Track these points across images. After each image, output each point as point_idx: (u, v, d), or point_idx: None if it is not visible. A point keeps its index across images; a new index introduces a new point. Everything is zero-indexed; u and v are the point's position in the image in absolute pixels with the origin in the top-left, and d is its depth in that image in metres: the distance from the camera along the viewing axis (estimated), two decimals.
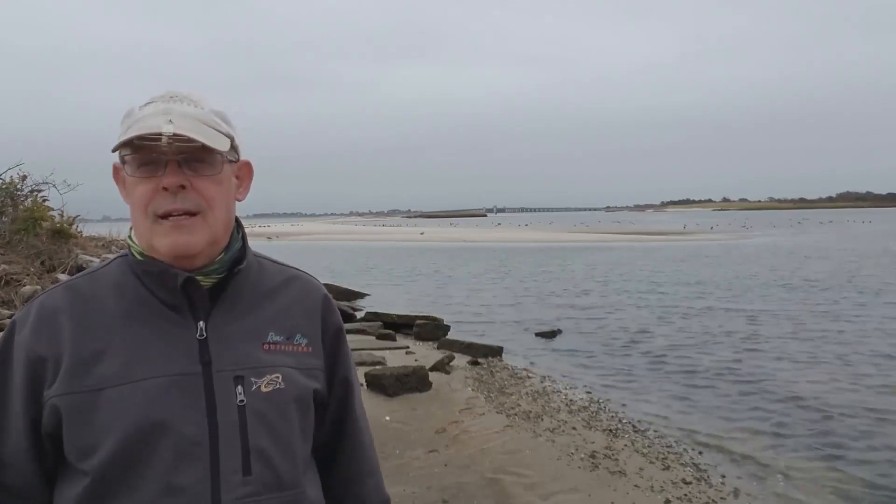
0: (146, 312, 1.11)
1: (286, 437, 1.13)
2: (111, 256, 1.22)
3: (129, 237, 1.17)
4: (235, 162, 1.17)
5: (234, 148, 1.15)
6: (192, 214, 1.08)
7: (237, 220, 1.21)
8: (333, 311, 1.28)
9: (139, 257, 1.13)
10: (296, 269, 1.30)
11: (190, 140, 1.05)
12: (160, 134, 1.03)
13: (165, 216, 1.08)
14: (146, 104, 1.10)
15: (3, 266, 6.61)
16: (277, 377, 1.13)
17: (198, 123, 1.08)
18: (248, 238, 1.23)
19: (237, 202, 1.21)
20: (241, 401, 1.09)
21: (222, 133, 1.11)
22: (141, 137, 1.04)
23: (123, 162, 1.11)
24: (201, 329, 1.11)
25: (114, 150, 1.09)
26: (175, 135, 1.04)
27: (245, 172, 1.22)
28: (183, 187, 1.07)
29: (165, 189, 1.07)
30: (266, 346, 1.15)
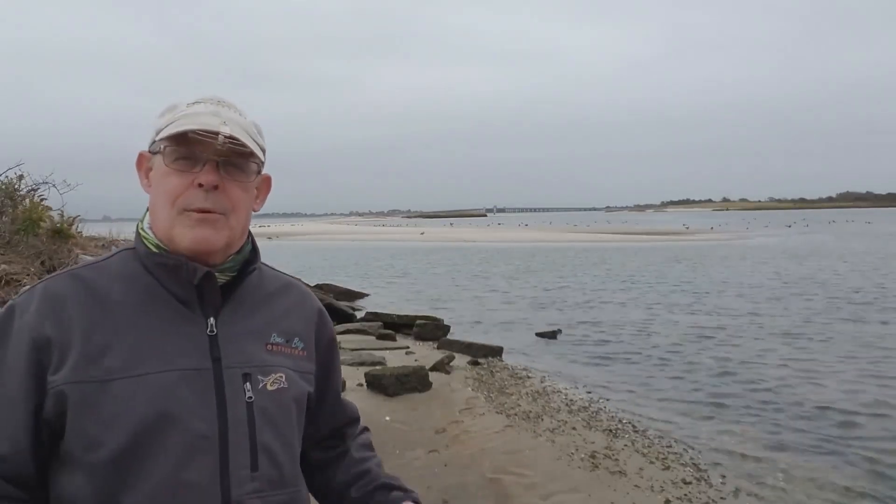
0: (155, 305, 1.10)
1: (287, 435, 1.15)
2: (114, 250, 1.22)
3: (141, 228, 1.17)
4: (259, 174, 1.21)
5: (263, 161, 1.20)
6: (218, 214, 1.11)
7: None
8: (328, 322, 1.34)
9: (154, 249, 1.13)
10: (291, 276, 1.34)
11: (242, 145, 1.10)
12: (217, 133, 1.07)
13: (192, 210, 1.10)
14: (194, 102, 1.14)
15: (3, 266, 6.61)
16: (281, 377, 1.15)
17: (243, 131, 1.12)
18: None
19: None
20: (250, 397, 1.10)
21: (259, 145, 1.16)
22: (196, 132, 1.07)
23: (156, 152, 1.13)
24: (212, 325, 1.12)
25: (161, 140, 1.11)
26: (230, 137, 1.08)
27: (264, 186, 1.25)
28: (216, 187, 1.10)
29: (200, 186, 1.09)
30: (269, 347, 1.17)
